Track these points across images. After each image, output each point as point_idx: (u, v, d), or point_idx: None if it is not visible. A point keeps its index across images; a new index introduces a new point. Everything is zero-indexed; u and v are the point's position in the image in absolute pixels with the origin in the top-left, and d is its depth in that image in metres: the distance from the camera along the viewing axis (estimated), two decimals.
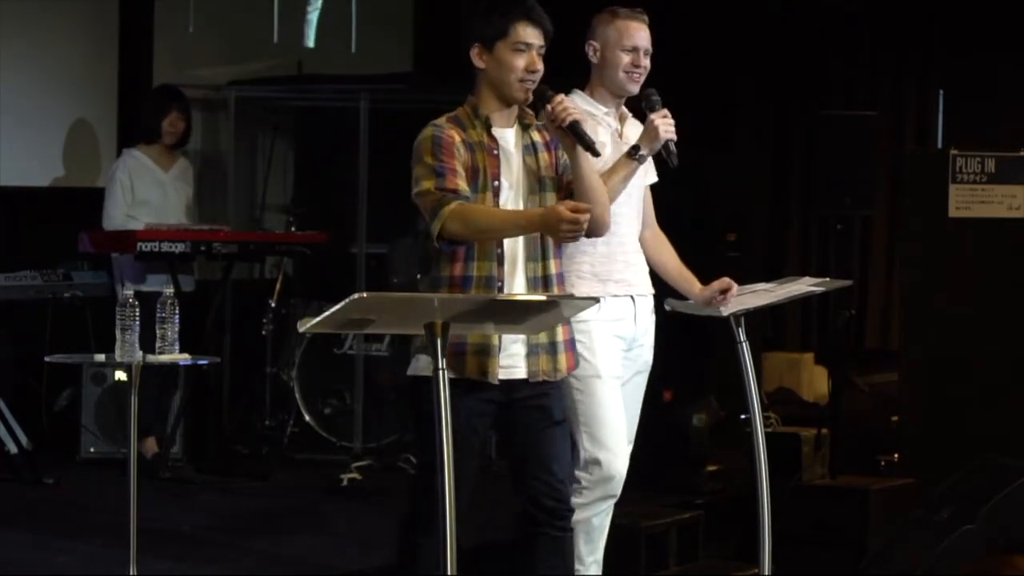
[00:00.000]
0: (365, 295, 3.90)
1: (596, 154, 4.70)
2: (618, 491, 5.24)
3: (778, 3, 11.21)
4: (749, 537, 5.72)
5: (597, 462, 5.13)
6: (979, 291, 8.09)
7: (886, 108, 10.98)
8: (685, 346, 7.39)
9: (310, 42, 10.07)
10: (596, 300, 4.50)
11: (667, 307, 5.48)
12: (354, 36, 9.98)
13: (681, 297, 5.44)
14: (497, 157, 4.66)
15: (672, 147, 5.08)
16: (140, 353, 5.30)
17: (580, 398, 5.13)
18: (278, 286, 9.17)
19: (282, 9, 9.69)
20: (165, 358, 5.44)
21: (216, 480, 7.83)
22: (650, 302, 5.38)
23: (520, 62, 4.64)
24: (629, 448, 5.37)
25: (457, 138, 4.61)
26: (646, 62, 5.26)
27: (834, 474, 7.73)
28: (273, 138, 9.81)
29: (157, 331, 5.43)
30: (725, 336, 5.48)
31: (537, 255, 4.69)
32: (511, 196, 4.66)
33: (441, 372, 3.99)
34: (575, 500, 4.98)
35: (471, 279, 4.59)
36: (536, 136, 4.76)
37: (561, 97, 4.69)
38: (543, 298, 4.40)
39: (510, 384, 4.64)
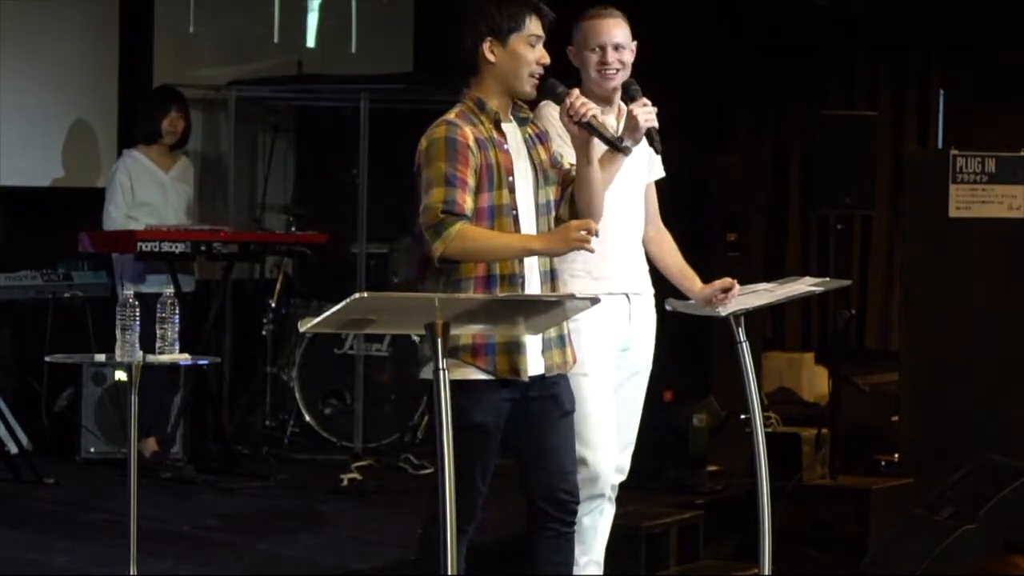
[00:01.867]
0: (365, 295, 3.90)
1: (621, 150, 4.64)
2: (605, 490, 5.18)
3: (778, 3, 11.21)
4: (749, 537, 5.72)
5: (584, 461, 5.00)
6: (979, 291, 8.08)
7: (886, 108, 10.99)
8: (685, 346, 7.38)
9: (310, 42, 10.06)
10: (598, 300, 4.47)
11: (667, 307, 5.45)
12: (354, 36, 9.97)
13: (682, 296, 5.42)
14: (508, 153, 4.61)
15: (655, 135, 4.93)
16: (140, 353, 5.29)
17: None
18: (278, 286, 9.17)
19: (282, 9, 9.69)
20: (165, 358, 5.44)
21: (216, 480, 7.81)
22: (649, 301, 5.34)
23: (533, 55, 4.61)
24: (630, 449, 5.35)
25: (471, 136, 4.53)
26: (616, 56, 5.13)
27: (834, 474, 7.73)
28: (273, 138, 9.81)
29: (157, 331, 5.42)
30: (725, 336, 5.47)
31: None
32: (523, 192, 4.62)
33: (442, 373, 3.99)
34: None
35: (495, 278, 4.55)
36: (531, 130, 4.73)
37: (577, 92, 4.66)
38: (545, 298, 4.39)
39: (528, 381, 4.61)
